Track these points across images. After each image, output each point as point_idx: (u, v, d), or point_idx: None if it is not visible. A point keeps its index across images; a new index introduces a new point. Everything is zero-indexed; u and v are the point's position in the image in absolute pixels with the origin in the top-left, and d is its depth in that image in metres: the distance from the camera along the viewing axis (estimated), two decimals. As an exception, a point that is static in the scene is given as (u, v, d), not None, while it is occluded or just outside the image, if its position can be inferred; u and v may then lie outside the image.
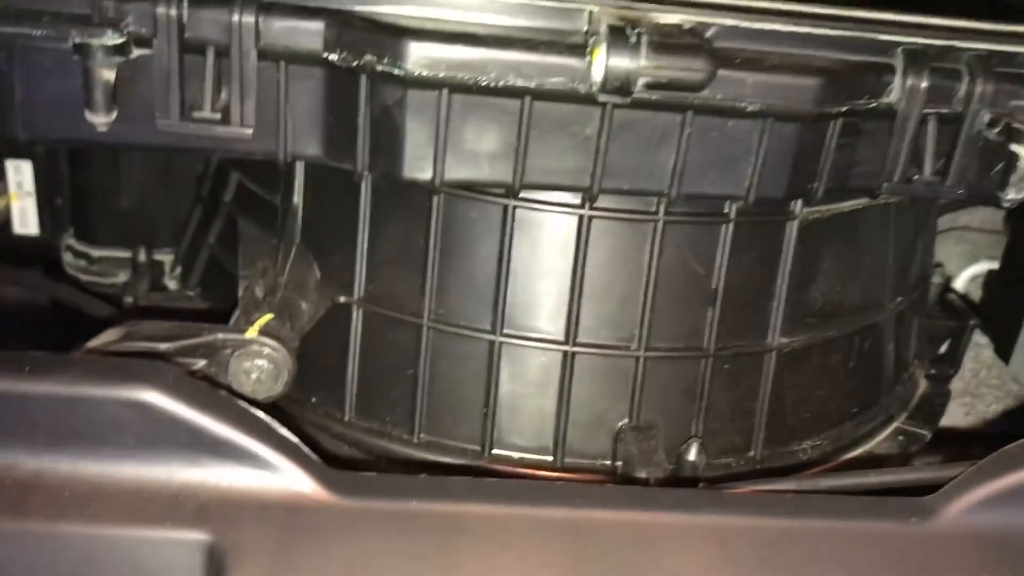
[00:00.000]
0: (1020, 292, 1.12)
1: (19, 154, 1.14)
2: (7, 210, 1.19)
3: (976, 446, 1.24)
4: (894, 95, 0.69)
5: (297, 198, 0.80)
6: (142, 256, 0.97)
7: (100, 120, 0.67)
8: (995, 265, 1.20)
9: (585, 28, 0.67)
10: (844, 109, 0.68)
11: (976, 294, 1.24)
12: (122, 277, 1.02)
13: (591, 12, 0.65)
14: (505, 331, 0.76)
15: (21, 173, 1.18)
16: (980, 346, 1.30)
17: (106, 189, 1.02)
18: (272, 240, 0.82)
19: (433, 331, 0.77)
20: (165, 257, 1.02)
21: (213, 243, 0.92)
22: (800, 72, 0.66)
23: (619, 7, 0.65)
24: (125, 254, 1.02)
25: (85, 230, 1.05)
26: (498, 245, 0.74)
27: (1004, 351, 1.14)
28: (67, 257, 1.05)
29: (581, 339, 0.76)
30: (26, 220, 1.19)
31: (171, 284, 0.99)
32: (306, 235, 0.80)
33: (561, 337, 0.76)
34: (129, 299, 0.90)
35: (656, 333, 0.76)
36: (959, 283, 1.24)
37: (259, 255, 0.80)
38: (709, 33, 0.67)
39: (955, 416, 1.39)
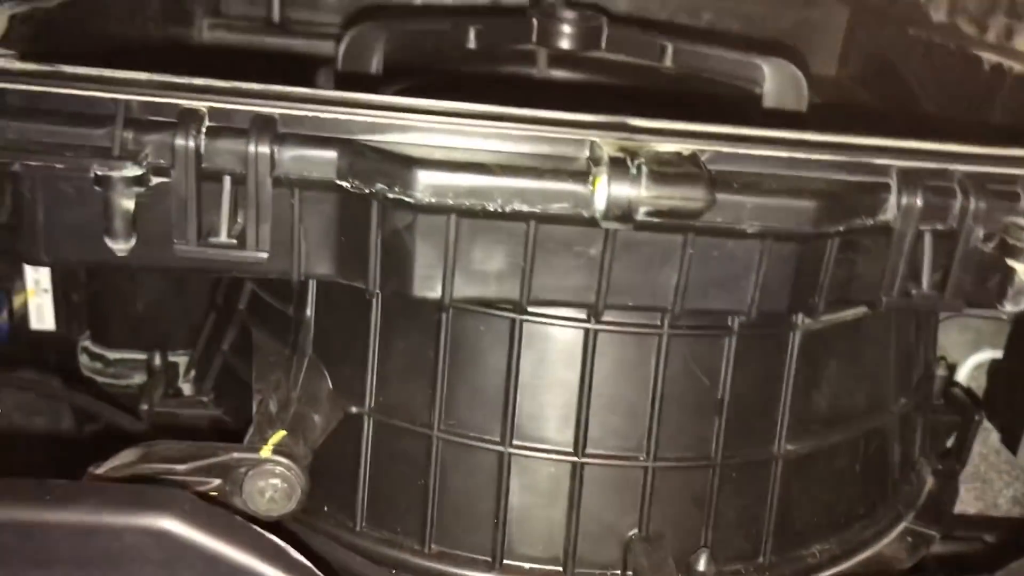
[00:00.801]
0: (1024, 381, 1.13)
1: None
2: (25, 306, 1.22)
3: (986, 531, 1.24)
4: (890, 213, 0.71)
5: (310, 311, 0.82)
6: (157, 361, 0.99)
7: (120, 247, 0.69)
8: (998, 354, 1.21)
9: (587, 154, 0.69)
10: (841, 228, 0.70)
11: (980, 382, 1.24)
12: (137, 379, 1.04)
13: (593, 141, 0.67)
14: (514, 442, 0.77)
15: (39, 271, 1.21)
16: (988, 430, 1.30)
17: (122, 294, 1.05)
18: (285, 351, 0.83)
19: (443, 442, 0.78)
20: (180, 359, 1.04)
21: (227, 350, 0.94)
22: (797, 195, 0.68)
23: (620, 138, 0.67)
24: (140, 356, 1.04)
25: (101, 333, 1.07)
26: (506, 358, 0.76)
27: (1011, 441, 1.14)
28: (83, 359, 1.07)
29: (590, 450, 0.77)
30: (42, 316, 1.22)
31: (185, 387, 1.00)
32: (318, 346, 0.82)
33: (570, 448, 0.77)
34: (144, 406, 0.92)
35: (664, 443, 0.77)
36: (963, 372, 1.24)
37: (272, 367, 0.82)
38: (706, 157, 0.69)
39: (965, 501, 1.38)
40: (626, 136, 0.67)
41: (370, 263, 0.71)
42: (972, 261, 0.73)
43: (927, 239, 0.73)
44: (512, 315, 0.75)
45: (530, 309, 0.74)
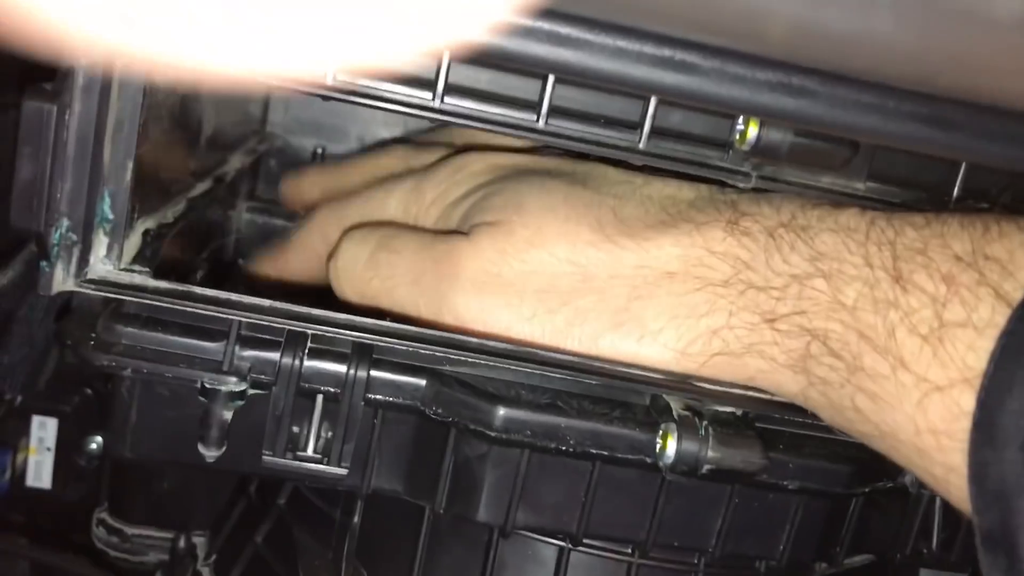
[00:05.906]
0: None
1: (47, 412, 1.19)
2: (24, 464, 1.22)
3: None
4: (908, 478, 0.80)
5: (358, 518, 0.86)
6: (182, 543, 1.00)
7: (212, 453, 0.73)
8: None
9: (647, 403, 0.77)
10: (867, 489, 0.78)
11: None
12: (151, 556, 1.05)
13: (660, 396, 0.75)
14: (549, 664, 0.81)
15: (45, 429, 1.22)
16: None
17: (148, 470, 1.06)
18: (328, 553, 0.87)
19: (481, 658, 0.82)
20: (197, 539, 1.05)
21: (260, 543, 0.96)
22: (834, 459, 0.76)
23: (687, 398, 0.75)
24: (160, 534, 1.05)
25: (122, 508, 1.08)
26: (551, 583, 0.81)
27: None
28: (99, 532, 1.08)
29: None
30: (40, 474, 1.22)
31: (204, 571, 1.01)
32: (360, 551, 0.86)
33: (600, 674, 0.81)
34: (175, 595, 0.93)
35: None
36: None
37: (318, 571, 0.85)
38: (752, 415, 0.77)
39: None
40: (695, 397, 0.75)
41: (439, 485, 0.77)
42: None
43: (939, 502, 0.81)
44: (562, 544, 0.80)
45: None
